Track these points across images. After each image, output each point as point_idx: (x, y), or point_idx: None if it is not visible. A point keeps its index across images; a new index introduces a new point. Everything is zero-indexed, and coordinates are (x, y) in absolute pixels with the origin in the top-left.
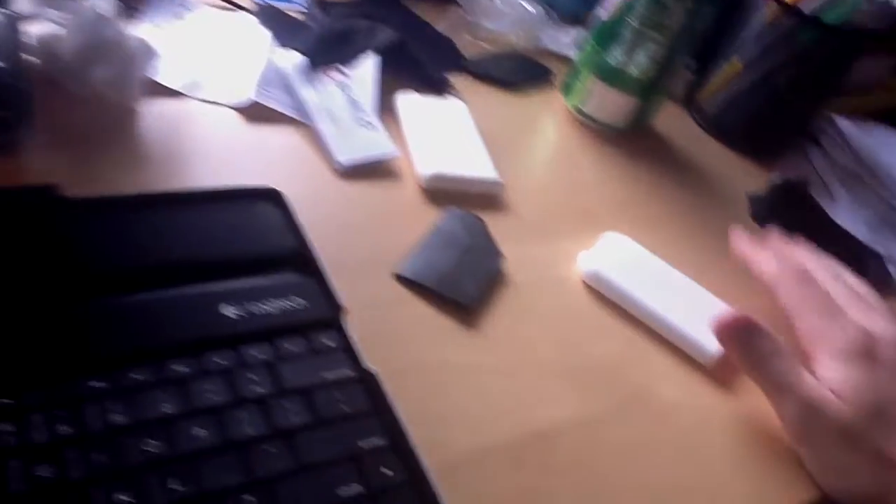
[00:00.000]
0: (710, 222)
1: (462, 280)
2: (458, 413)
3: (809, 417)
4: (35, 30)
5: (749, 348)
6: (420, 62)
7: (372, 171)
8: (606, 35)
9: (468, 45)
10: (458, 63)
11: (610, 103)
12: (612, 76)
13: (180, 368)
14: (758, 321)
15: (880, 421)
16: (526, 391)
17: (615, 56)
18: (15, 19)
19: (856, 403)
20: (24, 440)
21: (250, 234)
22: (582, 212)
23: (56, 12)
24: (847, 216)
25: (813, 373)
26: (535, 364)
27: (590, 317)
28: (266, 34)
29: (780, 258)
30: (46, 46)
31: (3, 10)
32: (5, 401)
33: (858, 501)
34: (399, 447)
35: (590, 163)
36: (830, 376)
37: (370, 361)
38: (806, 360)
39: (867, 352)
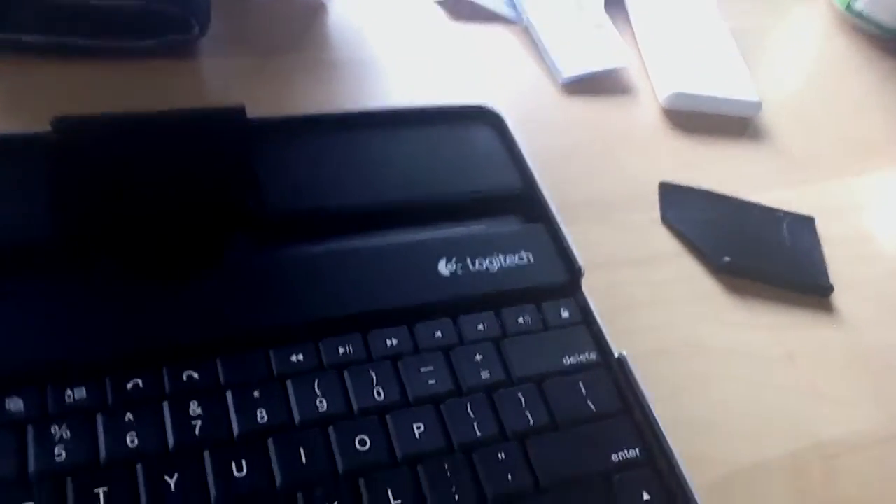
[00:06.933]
0: None
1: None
2: (723, 414)
3: None
4: None
5: None
6: None
7: (599, 84)
8: None
9: None
10: None
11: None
12: None
13: (390, 341)
14: None
15: None
16: (815, 388)
17: None
18: None
19: None
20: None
21: (467, 167)
22: (857, 143)
23: None
24: None
25: None
26: (831, 352)
27: None
28: None
29: None
30: None
31: None
32: (191, 373)
33: None
34: (656, 461)
35: (865, 78)
36: None
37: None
38: None
39: None
